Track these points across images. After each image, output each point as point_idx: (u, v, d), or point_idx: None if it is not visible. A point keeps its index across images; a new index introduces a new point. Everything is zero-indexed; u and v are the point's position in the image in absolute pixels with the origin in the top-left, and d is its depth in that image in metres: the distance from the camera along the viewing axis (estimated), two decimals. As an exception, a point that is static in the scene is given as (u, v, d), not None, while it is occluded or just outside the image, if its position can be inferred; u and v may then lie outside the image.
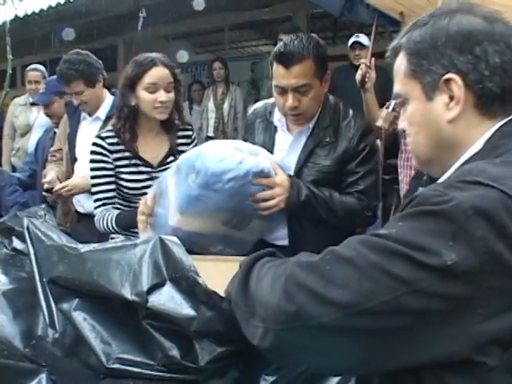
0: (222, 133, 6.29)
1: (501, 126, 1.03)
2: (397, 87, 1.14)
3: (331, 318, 0.90)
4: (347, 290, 0.89)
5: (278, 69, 2.08)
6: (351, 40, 5.05)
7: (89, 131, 3.12)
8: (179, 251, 1.27)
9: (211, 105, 6.37)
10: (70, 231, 3.15)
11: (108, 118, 3.15)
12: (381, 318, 0.88)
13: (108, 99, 3.25)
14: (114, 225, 2.32)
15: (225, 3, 6.48)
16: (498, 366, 0.86)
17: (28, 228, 1.54)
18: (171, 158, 2.44)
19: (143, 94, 2.31)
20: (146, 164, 2.41)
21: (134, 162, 2.40)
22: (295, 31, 4.92)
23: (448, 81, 1.04)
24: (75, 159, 3.25)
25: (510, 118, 1.04)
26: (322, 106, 2.21)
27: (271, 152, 2.27)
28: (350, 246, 0.95)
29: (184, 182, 1.99)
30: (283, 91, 2.09)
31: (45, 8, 6.65)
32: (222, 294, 1.33)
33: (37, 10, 6.62)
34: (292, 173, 2.20)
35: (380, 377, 1.00)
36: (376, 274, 0.88)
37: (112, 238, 2.48)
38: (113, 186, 2.40)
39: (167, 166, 2.40)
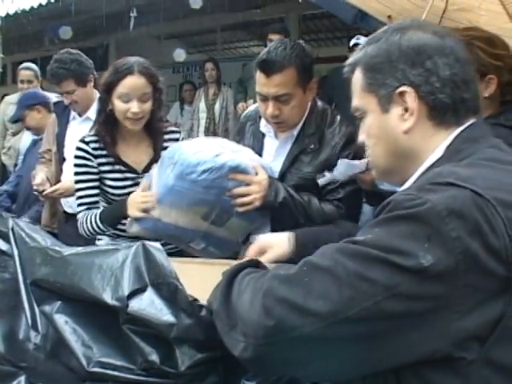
0: (212, 133, 6.29)
1: (460, 132, 1.08)
2: (355, 101, 1.19)
3: (313, 328, 0.91)
4: (327, 300, 0.90)
5: (259, 76, 2.06)
6: (352, 42, 5.03)
7: (79, 131, 3.11)
8: (161, 257, 1.27)
9: (202, 105, 6.37)
10: (58, 232, 3.14)
11: None
12: (363, 325, 0.89)
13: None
14: (98, 223, 2.28)
15: (217, 4, 6.48)
16: (477, 360, 0.89)
17: (13, 229, 1.54)
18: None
19: (116, 103, 2.26)
20: (131, 169, 2.38)
21: (118, 167, 2.37)
22: (285, 32, 4.95)
23: (402, 93, 1.09)
24: (64, 159, 3.24)
25: (467, 124, 1.09)
26: (308, 111, 2.19)
27: (259, 156, 2.27)
28: (327, 255, 0.97)
29: (163, 173, 2.02)
30: (264, 98, 2.08)
31: (35, 6, 6.62)
32: (207, 297, 1.34)
33: (27, 8, 6.59)
34: (277, 176, 2.21)
35: (361, 378, 1.01)
36: (355, 281, 0.89)
37: (99, 239, 2.47)
38: (97, 191, 2.38)
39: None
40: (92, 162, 2.33)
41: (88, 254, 1.37)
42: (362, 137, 1.21)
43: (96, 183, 2.36)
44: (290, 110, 2.08)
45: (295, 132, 2.20)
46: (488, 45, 1.93)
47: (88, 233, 2.34)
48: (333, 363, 0.96)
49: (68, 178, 3.09)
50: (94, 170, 2.34)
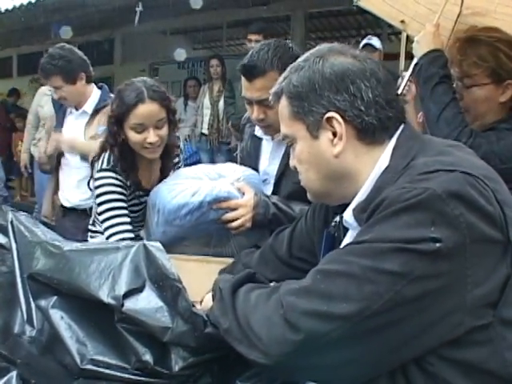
0: (216, 130, 6.28)
1: (398, 137, 1.13)
2: (283, 129, 1.22)
3: (341, 331, 0.94)
4: (350, 301, 0.94)
5: (243, 80, 2.02)
6: (363, 42, 4.96)
7: (75, 125, 3.11)
8: (163, 258, 1.27)
9: (207, 101, 6.36)
10: (56, 225, 3.13)
11: (95, 112, 3.14)
12: (388, 315, 0.94)
13: (95, 93, 3.22)
14: None
15: (223, 0, 6.47)
16: (492, 322, 0.97)
17: (12, 222, 1.53)
18: None
19: (131, 134, 2.10)
20: (146, 193, 2.24)
21: (137, 193, 2.25)
22: (264, 32, 4.91)
23: (329, 119, 1.12)
24: (62, 153, 3.23)
25: (400, 129, 1.14)
26: None
27: (257, 159, 2.24)
28: (336, 260, 1.01)
29: (152, 221, 2.07)
30: (250, 102, 2.04)
31: (42, -1, 6.63)
32: (204, 301, 1.34)
33: (33, 1, 6.59)
34: (273, 181, 2.17)
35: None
36: (372, 276, 0.94)
37: (92, 237, 2.42)
38: (129, 219, 2.17)
39: None
40: (126, 190, 2.18)
41: (88, 251, 1.36)
42: (293, 162, 1.24)
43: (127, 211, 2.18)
44: (275, 114, 2.00)
45: None
46: (511, 49, 1.89)
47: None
48: (362, 361, 0.98)
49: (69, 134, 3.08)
50: (124, 199, 2.17)
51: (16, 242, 1.48)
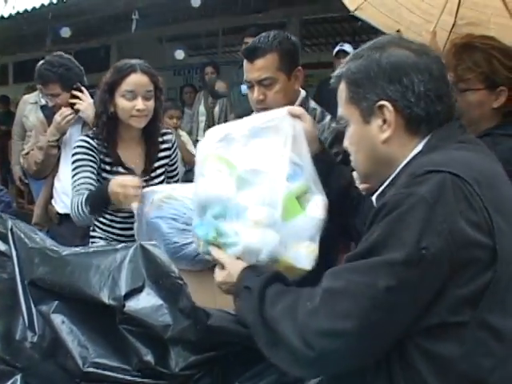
0: (212, 136, 6.28)
1: (432, 134, 1.19)
2: (340, 111, 1.29)
3: (349, 344, 1.02)
4: (352, 317, 1.01)
5: (245, 64, 2.13)
6: (336, 49, 5.11)
7: (69, 132, 3.10)
8: (161, 256, 1.29)
9: (202, 109, 6.35)
10: (50, 232, 3.08)
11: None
12: (386, 320, 1.02)
13: (89, 101, 3.22)
14: (83, 206, 2.17)
15: (219, 7, 6.50)
16: (470, 322, 1.01)
17: (12, 230, 1.55)
18: (155, 165, 2.39)
19: (120, 101, 2.25)
20: (130, 172, 2.32)
21: (116, 169, 2.34)
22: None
23: (381, 107, 1.19)
24: (58, 160, 3.21)
25: (433, 133, 1.19)
26: (301, 106, 2.10)
27: None
28: (339, 276, 1.08)
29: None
30: (251, 85, 2.13)
31: (37, 6, 6.63)
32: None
33: (29, 9, 6.60)
34: None
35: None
36: (367, 292, 1.01)
37: (93, 242, 2.44)
38: (94, 181, 2.25)
39: (152, 174, 2.36)
40: (94, 154, 2.29)
41: (86, 254, 1.38)
42: (346, 143, 1.31)
43: (94, 173, 2.28)
44: (274, 95, 2.09)
45: None
46: (505, 57, 1.93)
47: (77, 217, 2.22)
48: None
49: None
50: (95, 162, 2.28)
51: (16, 249, 1.50)
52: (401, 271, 0.99)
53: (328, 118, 2.20)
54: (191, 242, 1.91)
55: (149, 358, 1.17)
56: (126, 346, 1.20)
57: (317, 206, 1.39)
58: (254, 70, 2.09)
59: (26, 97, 4.72)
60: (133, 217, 2.14)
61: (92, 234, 2.45)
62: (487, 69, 1.91)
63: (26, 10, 6.56)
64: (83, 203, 2.15)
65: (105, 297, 1.23)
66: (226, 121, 6.10)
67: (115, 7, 6.21)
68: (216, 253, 1.31)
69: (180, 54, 7.30)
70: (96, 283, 1.26)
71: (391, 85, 1.18)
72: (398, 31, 3.28)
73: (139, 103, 2.23)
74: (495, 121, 1.97)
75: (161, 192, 1.99)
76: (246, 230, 1.28)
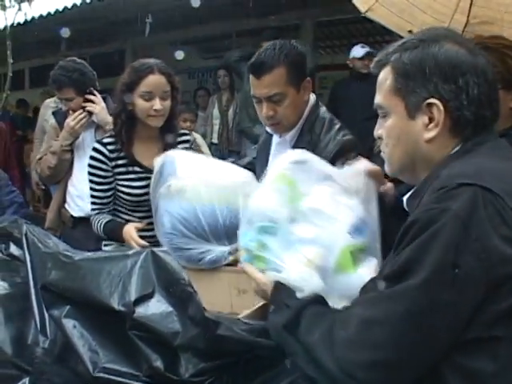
0: (226, 140, 6.29)
1: (474, 137, 1.15)
2: (379, 99, 1.23)
3: (386, 373, 1.00)
4: (392, 348, 0.99)
5: (251, 79, 2.07)
6: (363, 51, 5.02)
7: (82, 136, 3.12)
8: (172, 263, 1.28)
9: (216, 112, 6.37)
10: (63, 236, 3.08)
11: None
12: (424, 343, 0.99)
13: (102, 104, 3.23)
14: (101, 232, 2.39)
15: (232, 10, 6.51)
16: (504, 338, 0.99)
17: (26, 234, 1.56)
18: None
19: (138, 102, 2.32)
20: (146, 170, 2.40)
21: (132, 169, 2.41)
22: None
23: (430, 104, 1.13)
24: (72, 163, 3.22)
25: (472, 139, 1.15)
26: (308, 113, 2.13)
27: (267, 155, 2.23)
28: (373, 304, 1.05)
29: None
30: (259, 101, 2.08)
31: (52, 12, 6.70)
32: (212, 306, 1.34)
33: (44, 14, 6.66)
34: None
35: None
36: (405, 320, 0.98)
37: (105, 245, 2.48)
38: (109, 193, 2.43)
39: None
40: (107, 164, 2.38)
41: (98, 260, 1.39)
42: (379, 132, 1.25)
43: (109, 186, 2.41)
44: (284, 110, 2.05)
45: (292, 135, 2.14)
46: None
47: (98, 233, 2.43)
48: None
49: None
50: (108, 174, 2.39)
51: (30, 253, 1.52)
52: (436, 293, 0.97)
53: (336, 127, 2.12)
54: (192, 248, 1.92)
55: (158, 363, 1.17)
56: (136, 352, 1.20)
57: (369, 270, 1.32)
58: (261, 86, 2.03)
59: (47, 101, 4.73)
60: (133, 188, 2.38)
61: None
62: (503, 68, 1.89)
63: (41, 16, 6.62)
64: (101, 230, 2.38)
65: (115, 302, 1.23)
66: (239, 124, 6.11)
67: (129, 11, 6.25)
68: (250, 270, 1.33)
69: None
70: (106, 289, 1.27)
71: (446, 83, 1.12)
72: (409, 31, 3.26)
73: (157, 103, 2.30)
74: (511, 121, 1.95)
75: (178, 180, 2.02)
76: (296, 264, 1.27)
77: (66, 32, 6.41)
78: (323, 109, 2.19)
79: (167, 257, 1.31)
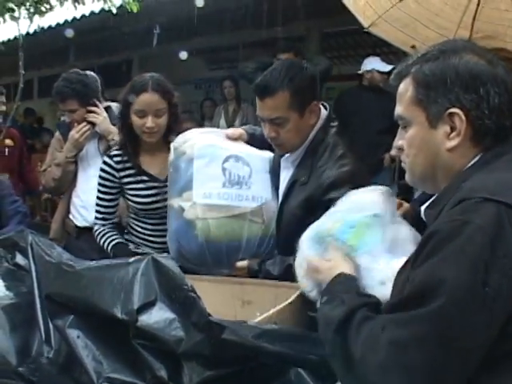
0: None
1: (494, 148, 1.16)
2: (400, 110, 1.24)
3: None
4: (428, 370, 0.96)
5: (257, 99, 2.04)
6: (387, 68, 4.98)
7: (85, 147, 3.14)
8: (174, 269, 1.28)
9: (223, 122, 6.38)
10: (67, 247, 3.09)
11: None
12: (456, 366, 0.97)
13: (104, 114, 3.25)
14: (109, 251, 2.45)
15: (239, 21, 6.54)
16: None
17: (31, 244, 1.57)
18: None
19: (134, 118, 2.38)
20: (153, 179, 2.47)
21: (140, 178, 2.47)
22: (296, 49, 4.91)
23: (452, 114, 1.15)
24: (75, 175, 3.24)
25: (493, 148, 1.16)
26: (313, 138, 2.07)
27: (278, 176, 2.22)
28: (402, 325, 1.01)
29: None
30: (262, 120, 2.06)
31: (61, 22, 6.75)
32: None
33: (53, 25, 6.72)
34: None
35: None
36: (437, 341, 0.96)
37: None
38: (114, 203, 2.55)
39: None
40: (114, 176, 2.46)
41: (99, 268, 1.39)
42: (400, 142, 1.27)
43: (114, 196, 2.51)
44: (286, 134, 2.01)
45: (296, 156, 2.11)
46: None
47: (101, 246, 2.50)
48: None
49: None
50: (115, 185, 2.48)
51: (35, 263, 1.52)
52: (468, 314, 0.95)
53: (338, 154, 2.04)
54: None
55: (162, 373, 1.16)
56: (140, 361, 1.20)
57: None
58: (264, 108, 2.01)
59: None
60: (141, 197, 2.45)
61: (126, 236, 2.61)
62: None
63: (50, 26, 6.67)
64: (108, 248, 2.45)
65: (118, 311, 1.24)
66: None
67: (137, 22, 6.29)
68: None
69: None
70: (109, 298, 1.27)
71: (467, 93, 1.14)
72: (412, 47, 3.27)
73: (149, 121, 2.34)
74: None
75: (192, 205, 2.08)
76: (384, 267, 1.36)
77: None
78: (332, 131, 2.11)
79: (169, 262, 1.31)
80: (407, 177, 1.31)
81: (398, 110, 1.25)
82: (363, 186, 1.93)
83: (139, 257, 1.37)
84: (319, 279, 1.37)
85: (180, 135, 2.27)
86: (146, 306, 1.23)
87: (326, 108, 2.13)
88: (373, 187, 1.66)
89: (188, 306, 1.21)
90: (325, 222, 1.57)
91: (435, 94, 1.16)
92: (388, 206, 1.55)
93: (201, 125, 5.99)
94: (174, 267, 1.27)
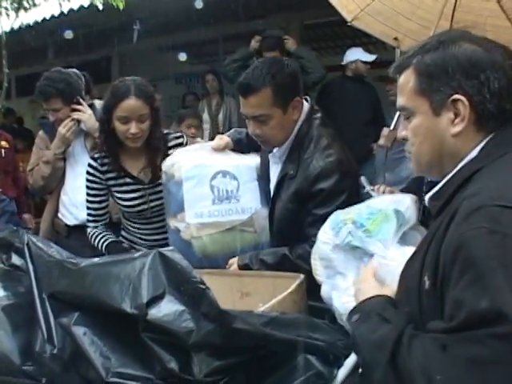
0: (216, 143, 6.28)
1: (492, 138, 1.20)
2: (402, 101, 1.28)
3: None
4: None
5: (240, 97, 2.08)
6: (371, 58, 5.17)
7: (72, 144, 3.13)
8: (181, 262, 1.29)
9: (206, 116, 6.37)
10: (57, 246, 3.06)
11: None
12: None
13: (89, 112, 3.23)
14: (102, 249, 2.49)
15: (219, 14, 6.52)
16: None
17: (28, 244, 1.56)
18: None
19: (116, 124, 2.37)
20: (137, 181, 2.48)
21: (123, 180, 2.48)
22: (280, 47, 4.93)
23: (455, 101, 1.19)
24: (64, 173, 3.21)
25: (498, 131, 1.20)
26: (297, 132, 2.11)
27: (268, 172, 2.26)
28: (476, 341, 0.97)
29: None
30: (246, 118, 2.10)
31: (39, 20, 6.66)
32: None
33: (31, 23, 6.63)
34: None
35: None
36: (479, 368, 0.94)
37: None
38: (104, 204, 2.57)
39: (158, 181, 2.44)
40: (100, 178, 2.49)
41: (105, 265, 1.39)
42: (404, 133, 1.31)
43: (104, 197, 2.54)
44: (269, 130, 2.06)
45: (282, 151, 2.15)
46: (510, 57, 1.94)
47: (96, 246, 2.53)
48: None
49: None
50: (102, 186, 2.51)
51: (33, 263, 1.51)
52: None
53: (322, 145, 2.08)
54: None
55: (172, 365, 1.17)
56: (149, 355, 1.20)
57: None
58: (248, 106, 2.05)
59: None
60: (126, 200, 2.49)
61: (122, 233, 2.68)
62: None
63: (28, 24, 6.59)
64: (103, 248, 2.49)
65: (127, 306, 1.24)
66: (230, 128, 6.12)
67: (116, 19, 6.23)
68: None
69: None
70: (117, 293, 1.27)
71: (468, 80, 1.19)
72: (395, 39, 3.31)
73: (133, 127, 2.34)
74: None
75: (187, 226, 2.21)
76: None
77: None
78: (315, 123, 2.14)
79: (176, 256, 1.31)
80: (413, 166, 1.34)
81: (401, 101, 1.29)
82: (351, 173, 2.01)
83: (145, 251, 1.37)
84: (360, 289, 1.35)
85: (168, 158, 2.32)
86: (155, 300, 1.24)
87: (307, 101, 2.17)
88: (406, 194, 1.78)
89: (197, 297, 1.22)
90: (345, 211, 1.67)
91: (438, 83, 1.21)
92: (411, 210, 1.66)
93: (201, 120, 5.96)
94: (182, 260, 1.28)
